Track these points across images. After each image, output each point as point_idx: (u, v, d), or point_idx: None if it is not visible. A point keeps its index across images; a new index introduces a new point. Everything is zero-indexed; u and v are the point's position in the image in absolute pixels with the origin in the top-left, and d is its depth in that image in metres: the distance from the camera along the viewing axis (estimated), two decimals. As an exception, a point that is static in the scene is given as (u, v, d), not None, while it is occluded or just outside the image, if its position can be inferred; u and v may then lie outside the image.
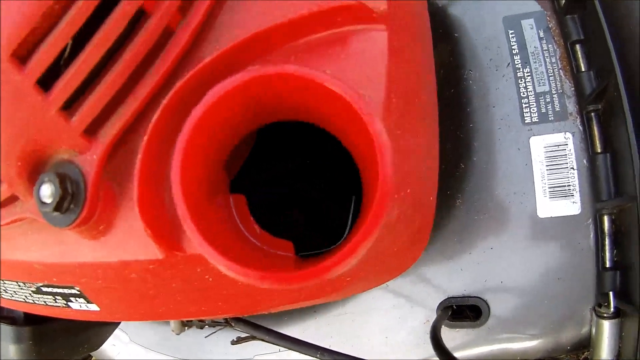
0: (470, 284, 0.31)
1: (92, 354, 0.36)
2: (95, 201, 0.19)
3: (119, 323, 0.33)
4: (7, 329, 0.28)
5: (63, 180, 0.18)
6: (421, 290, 0.32)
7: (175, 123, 0.19)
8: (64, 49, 0.18)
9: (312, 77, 0.14)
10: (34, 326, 0.28)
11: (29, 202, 0.20)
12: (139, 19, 0.18)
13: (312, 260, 0.18)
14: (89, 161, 0.19)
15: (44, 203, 0.19)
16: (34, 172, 0.19)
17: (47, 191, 0.19)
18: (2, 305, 0.26)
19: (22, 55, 0.18)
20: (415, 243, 0.24)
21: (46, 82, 0.18)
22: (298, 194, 0.24)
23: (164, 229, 0.18)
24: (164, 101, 0.18)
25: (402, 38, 0.21)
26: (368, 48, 0.19)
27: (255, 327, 0.27)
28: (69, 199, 0.19)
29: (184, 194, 0.14)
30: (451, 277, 0.32)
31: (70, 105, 0.18)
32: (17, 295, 0.25)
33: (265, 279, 0.14)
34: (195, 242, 0.14)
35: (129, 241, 0.19)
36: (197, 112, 0.14)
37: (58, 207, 0.18)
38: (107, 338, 0.31)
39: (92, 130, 0.18)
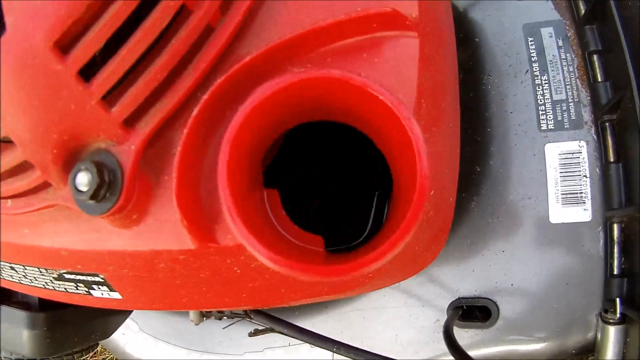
0: (481, 285, 0.33)
1: (100, 342, 0.37)
2: (131, 190, 0.20)
3: (131, 312, 0.34)
4: (21, 315, 0.29)
5: (100, 169, 0.19)
6: (432, 290, 0.34)
7: (213, 118, 0.20)
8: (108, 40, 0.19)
9: (355, 82, 0.15)
10: (49, 312, 0.29)
11: (63, 189, 0.20)
12: (180, 15, 0.19)
13: (342, 256, 0.19)
14: (127, 151, 0.19)
15: (79, 191, 0.19)
16: (69, 160, 0.20)
17: (83, 179, 0.19)
18: (20, 290, 0.27)
19: (64, 44, 0.18)
20: (435, 242, 0.25)
21: (84, 72, 0.19)
22: (321, 190, 0.25)
23: (199, 221, 0.19)
24: (205, 96, 0.19)
25: (432, 44, 0.22)
26: (401, 54, 0.20)
27: (274, 319, 0.28)
28: (106, 188, 0.19)
29: (229, 186, 0.15)
30: (463, 277, 0.33)
31: (109, 96, 0.19)
32: (37, 282, 0.26)
33: (306, 271, 0.15)
34: (238, 234, 0.15)
35: (162, 231, 0.20)
36: (245, 109, 0.15)
37: (94, 195, 0.19)
38: (119, 326, 0.32)
39: (131, 121, 0.19)
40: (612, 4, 0.31)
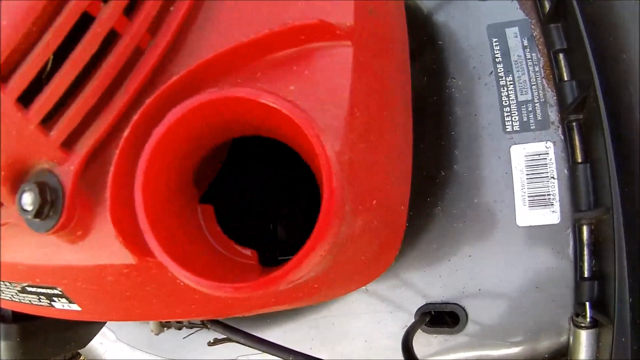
0: (448, 290, 0.33)
1: (80, 352, 0.39)
2: (72, 209, 0.21)
3: (105, 322, 0.36)
4: (-5, 326, 0.31)
5: (43, 189, 0.20)
6: (400, 296, 0.34)
7: (145, 137, 0.21)
8: (45, 66, 0.20)
9: (262, 100, 0.16)
10: (22, 323, 0.31)
11: (12, 208, 0.22)
12: (111, 39, 0.20)
13: (272, 270, 0.20)
14: (67, 172, 0.21)
15: (25, 210, 0.21)
16: (16, 181, 0.21)
17: (28, 199, 0.21)
18: (-6, 304, 0.29)
19: (2, 74, 0.20)
20: (386, 251, 0.25)
21: (28, 95, 0.20)
22: (273, 204, 0.26)
23: (135, 236, 0.20)
24: (134, 117, 0.19)
25: (370, 52, 0.23)
26: (332, 64, 0.20)
27: (230, 329, 0.28)
28: (48, 207, 0.21)
29: (145, 208, 0.16)
30: (430, 283, 0.33)
31: (49, 120, 0.20)
32: (4, 294, 0.27)
33: (219, 288, 0.16)
34: (155, 252, 0.16)
35: (105, 246, 0.21)
36: (156, 133, 0.16)
37: (38, 214, 0.20)
38: (94, 336, 0.33)
39: (69, 143, 0.20)
40: (574, 1, 0.30)
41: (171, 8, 0.21)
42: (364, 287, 0.34)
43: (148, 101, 0.20)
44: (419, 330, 0.32)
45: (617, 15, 0.28)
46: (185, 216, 0.20)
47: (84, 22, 0.19)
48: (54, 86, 0.19)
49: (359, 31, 0.21)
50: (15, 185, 0.21)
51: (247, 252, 0.20)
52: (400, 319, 0.33)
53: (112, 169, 0.20)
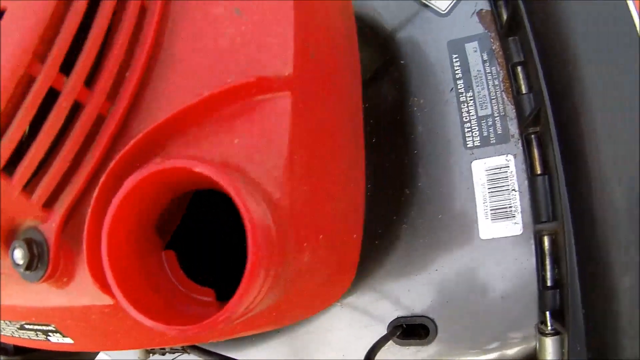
0: (417, 304, 0.37)
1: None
2: (57, 260, 0.26)
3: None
4: (-1, 360, 0.36)
5: (30, 245, 0.25)
6: (375, 310, 0.38)
7: (112, 195, 0.25)
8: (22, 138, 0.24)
9: (195, 169, 0.20)
10: (23, 355, 0.36)
11: (7, 261, 0.27)
12: (76, 108, 0.24)
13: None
14: (50, 228, 0.25)
15: (17, 264, 0.26)
16: (8, 239, 0.26)
17: (18, 254, 0.26)
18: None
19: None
20: (341, 276, 0.29)
21: (12, 161, 0.25)
22: (224, 246, 0.30)
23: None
24: (102, 179, 0.24)
25: (313, 94, 0.26)
26: (272, 115, 0.24)
27: (207, 352, 0.33)
28: (37, 260, 0.26)
29: (109, 261, 0.20)
30: (400, 297, 0.37)
31: (29, 184, 0.25)
32: (4, 331, 0.33)
33: (170, 329, 0.20)
34: (117, 297, 0.21)
35: (87, 290, 0.26)
36: (115, 202, 0.20)
37: (28, 267, 0.25)
38: (95, 357, 0.39)
39: (49, 203, 0.25)
40: (524, 15, 0.33)
41: (127, 74, 0.25)
42: (338, 303, 0.38)
43: (112, 164, 0.24)
44: (392, 343, 0.37)
45: (563, 27, 0.31)
46: (149, 263, 0.24)
47: (52, 94, 0.24)
48: (31, 156, 0.24)
49: (298, 79, 0.25)
50: (8, 242, 0.26)
51: (206, 291, 0.24)
52: (376, 332, 0.37)
53: (86, 223, 0.24)
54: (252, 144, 0.24)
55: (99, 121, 0.24)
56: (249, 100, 0.24)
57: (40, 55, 0.22)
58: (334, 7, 0.31)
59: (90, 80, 0.24)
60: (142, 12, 0.24)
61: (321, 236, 0.26)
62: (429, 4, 0.39)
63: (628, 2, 0.30)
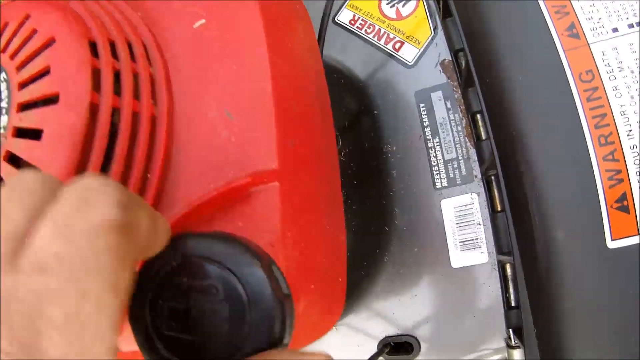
0: (402, 324, 0.45)
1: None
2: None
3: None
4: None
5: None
6: (365, 331, 0.46)
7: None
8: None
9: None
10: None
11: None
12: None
13: None
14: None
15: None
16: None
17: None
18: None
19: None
20: (330, 314, 0.37)
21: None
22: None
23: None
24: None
25: (297, 177, 0.33)
26: (265, 202, 0.31)
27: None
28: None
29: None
30: (386, 320, 0.45)
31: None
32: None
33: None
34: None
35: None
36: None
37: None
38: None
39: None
40: (474, 75, 0.41)
41: (148, 175, 0.32)
42: (333, 326, 0.46)
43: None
44: (382, 358, 0.45)
45: (506, 88, 0.38)
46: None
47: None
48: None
49: (283, 170, 0.32)
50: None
51: None
52: (367, 352, 0.46)
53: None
54: (252, 225, 0.31)
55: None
56: (247, 191, 0.32)
57: (80, 169, 0.29)
58: (310, 83, 0.38)
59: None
60: (154, 120, 0.31)
61: (312, 286, 0.34)
62: (396, 55, 0.46)
63: (562, 61, 0.37)
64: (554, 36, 0.35)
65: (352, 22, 0.48)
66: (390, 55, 0.46)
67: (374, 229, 0.44)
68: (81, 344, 0.15)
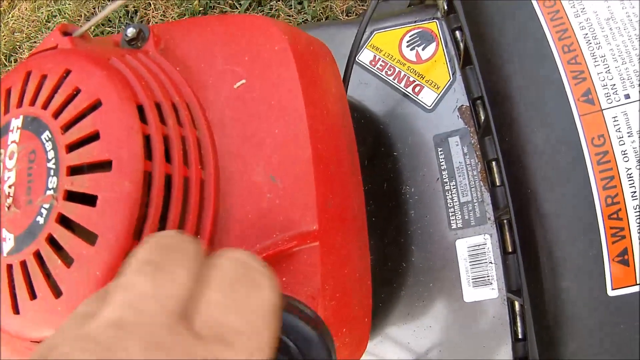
0: (416, 352, 0.49)
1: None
2: None
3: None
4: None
5: None
6: (379, 356, 0.51)
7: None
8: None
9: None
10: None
11: None
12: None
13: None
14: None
15: None
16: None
17: None
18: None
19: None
20: (357, 351, 0.41)
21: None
22: None
23: None
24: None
25: (334, 234, 0.37)
26: (307, 259, 0.35)
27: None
28: None
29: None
30: (402, 348, 0.49)
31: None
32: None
33: None
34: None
35: None
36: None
37: None
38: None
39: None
40: (493, 125, 0.44)
41: (198, 237, 0.35)
42: None
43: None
44: (396, 384, 0.49)
45: (523, 145, 0.42)
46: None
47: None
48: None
49: (322, 230, 0.35)
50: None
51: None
52: (384, 376, 0.50)
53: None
54: (295, 280, 0.35)
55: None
56: (290, 250, 0.35)
57: (136, 235, 0.31)
58: (342, 136, 0.41)
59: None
60: (202, 184, 0.34)
61: (344, 329, 0.37)
62: (416, 99, 0.49)
63: (575, 119, 0.41)
64: (570, 102, 0.38)
65: (373, 62, 0.51)
66: (410, 98, 0.49)
67: (391, 264, 0.48)
68: None
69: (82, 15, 1.41)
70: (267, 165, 0.35)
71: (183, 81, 0.37)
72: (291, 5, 1.21)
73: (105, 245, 0.32)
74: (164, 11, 1.30)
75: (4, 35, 1.48)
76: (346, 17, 1.14)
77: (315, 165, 0.35)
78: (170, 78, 0.37)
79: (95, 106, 0.35)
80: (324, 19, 1.16)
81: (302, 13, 1.20)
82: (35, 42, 1.47)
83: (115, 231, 0.31)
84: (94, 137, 0.34)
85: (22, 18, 1.48)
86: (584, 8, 0.41)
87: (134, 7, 1.32)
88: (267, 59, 0.37)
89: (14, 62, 1.49)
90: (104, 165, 0.33)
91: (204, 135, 0.35)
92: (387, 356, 0.50)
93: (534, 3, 0.41)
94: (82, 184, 0.33)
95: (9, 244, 0.35)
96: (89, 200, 0.33)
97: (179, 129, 0.34)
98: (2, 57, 1.49)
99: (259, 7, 1.23)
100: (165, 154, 0.33)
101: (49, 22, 1.45)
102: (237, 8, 1.25)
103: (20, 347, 0.36)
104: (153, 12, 1.31)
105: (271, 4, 1.23)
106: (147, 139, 0.33)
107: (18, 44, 1.49)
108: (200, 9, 1.27)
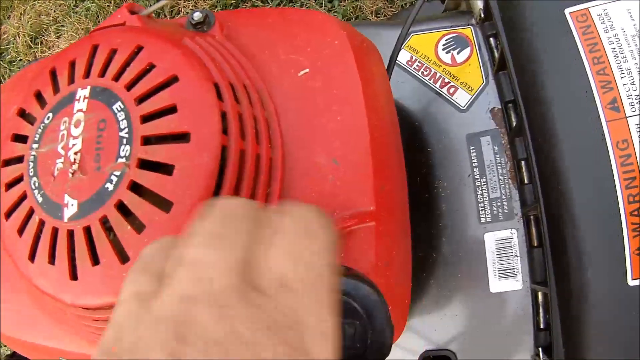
0: (442, 339, 0.53)
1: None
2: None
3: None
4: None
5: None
6: (408, 345, 0.54)
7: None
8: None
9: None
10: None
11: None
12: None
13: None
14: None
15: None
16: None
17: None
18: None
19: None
20: (396, 333, 0.45)
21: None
22: None
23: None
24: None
25: (386, 215, 0.41)
26: (364, 237, 0.38)
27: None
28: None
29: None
30: (428, 335, 0.53)
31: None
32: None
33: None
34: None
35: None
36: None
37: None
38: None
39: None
40: (527, 128, 0.49)
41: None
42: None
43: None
44: (422, 370, 0.53)
45: (558, 155, 0.47)
46: None
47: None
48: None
49: (378, 210, 0.39)
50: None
51: None
52: (409, 363, 0.54)
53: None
54: (351, 257, 0.38)
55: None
56: (349, 228, 0.38)
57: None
58: (390, 125, 0.45)
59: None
60: (271, 163, 0.37)
61: (391, 307, 0.41)
62: (450, 99, 0.54)
63: (603, 127, 0.46)
64: (599, 108, 0.43)
65: (410, 62, 0.55)
66: (445, 98, 0.53)
67: (422, 254, 0.52)
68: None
69: (112, 1, 1.42)
70: (329, 149, 0.38)
71: (250, 66, 0.40)
72: (322, 4, 1.25)
73: (180, 213, 0.34)
74: (195, 2, 1.32)
75: (29, 17, 1.48)
76: (375, 18, 1.19)
77: (373, 152, 0.39)
78: (239, 62, 0.40)
79: (169, 82, 0.37)
80: (353, 19, 1.20)
81: (333, 12, 1.24)
82: (62, 25, 1.47)
83: (191, 200, 0.34)
84: (170, 110, 0.36)
85: (49, 1, 1.48)
86: (612, 25, 0.46)
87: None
88: (328, 52, 0.41)
89: (40, 45, 1.48)
90: (183, 138, 0.36)
91: (272, 116, 0.39)
92: (413, 345, 0.54)
93: (568, 18, 0.46)
94: (158, 153, 0.35)
95: (71, 210, 0.36)
96: (164, 169, 0.35)
97: (251, 109, 0.38)
98: (27, 38, 1.48)
99: (290, 4, 1.26)
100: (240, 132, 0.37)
101: (77, 6, 1.46)
102: (268, 3, 1.27)
103: (66, 313, 0.38)
104: (184, 2, 1.33)
105: (302, 1, 1.26)
106: (223, 116, 0.36)
107: (45, 26, 1.48)
108: (233, 1, 1.29)
